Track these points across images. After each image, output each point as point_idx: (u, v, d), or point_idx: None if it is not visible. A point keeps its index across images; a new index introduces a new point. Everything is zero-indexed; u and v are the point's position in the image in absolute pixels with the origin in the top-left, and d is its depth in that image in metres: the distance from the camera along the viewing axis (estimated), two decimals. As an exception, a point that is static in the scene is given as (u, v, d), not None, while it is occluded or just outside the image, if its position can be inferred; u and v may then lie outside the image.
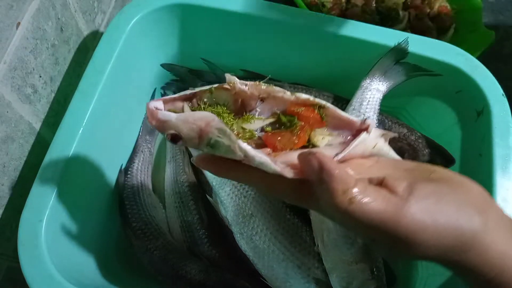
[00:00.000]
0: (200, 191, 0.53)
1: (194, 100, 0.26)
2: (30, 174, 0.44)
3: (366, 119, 0.28)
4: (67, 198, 0.41)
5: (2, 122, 0.40)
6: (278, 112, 0.27)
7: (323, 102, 0.27)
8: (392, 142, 0.53)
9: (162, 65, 0.60)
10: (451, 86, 0.48)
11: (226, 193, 0.49)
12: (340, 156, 0.25)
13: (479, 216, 0.23)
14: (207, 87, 0.26)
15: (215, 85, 0.26)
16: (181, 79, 0.63)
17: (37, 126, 0.46)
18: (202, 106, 0.25)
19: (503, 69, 0.69)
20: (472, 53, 0.59)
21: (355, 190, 0.22)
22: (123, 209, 0.51)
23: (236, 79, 0.25)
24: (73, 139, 0.41)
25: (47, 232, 0.38)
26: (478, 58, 0.47)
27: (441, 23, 0.66)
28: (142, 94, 0.59)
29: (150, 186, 0.55)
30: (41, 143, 0.46)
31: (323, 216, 0.26)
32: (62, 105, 0.49)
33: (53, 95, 0.48)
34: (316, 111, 0.27)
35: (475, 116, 0.45)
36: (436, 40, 0.48)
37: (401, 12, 0.67)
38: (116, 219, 0.52)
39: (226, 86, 0.26)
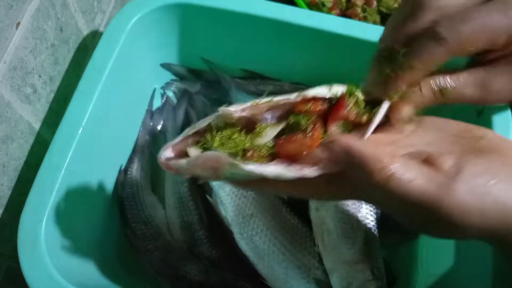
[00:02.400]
0: (200, 191, 0.53)
1: (201, 131, 0.26)
2: (30, 174, 0.44)
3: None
4: (67, 198, 0.41)
5: (1, 122, 0.39)
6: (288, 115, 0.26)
7: (329, 93, 0.26)
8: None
9: (162, 65, 0.60)
10: (451, 86, 0.47)
11: (226, 193, 0.49)
12: (366, 136, 0.24)
13: None
14: (207, 121, 0.25)
15: (212, 118, 0.25)
16: (181, 79, 0.63)
17: (37, 126, 0.46)
18: (210, 136, 0.25)
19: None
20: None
21: (394, 166, 0.20)
22: (122, 209, 0.51)
23: (230, 109, 0.25)
24: (73, 139, 0.41)
25: (47, 232, 0.38)
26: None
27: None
28: (142, 94, 0.59)
29: (150, 186, 0.55)
30: (41, 143, 0.46)
31: (366, 201, 0.25)
32: (62, 105, 0.49)
33: (52, 95, 0.48)
34: (323, 103, 0.26)
35: (475, 116, 0.45)
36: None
37: None
38: (116, 219, 0.52)
39: (224, 117, 0.25)
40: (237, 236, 0.47)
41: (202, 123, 0.25)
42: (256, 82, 0.58)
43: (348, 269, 0.41)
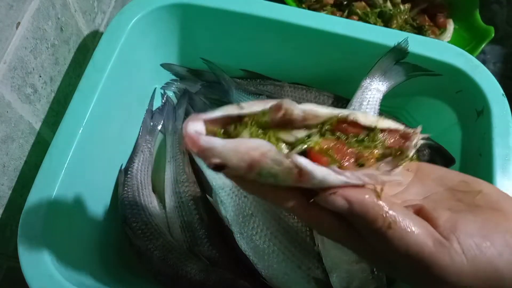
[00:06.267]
0: (200, 191, 0.53)
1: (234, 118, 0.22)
2: (30, 174, 0.44)
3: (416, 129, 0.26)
4: (67, 198, 0.41)
5: (2, 122, 0.39)
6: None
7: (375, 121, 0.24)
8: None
9: (162, 65, 0.60)
10: (451, 86, 0.48)
11: (226, 193, 0.49)
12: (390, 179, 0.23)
13: None
14: (259, 109, 0.21)
15: (268, 107, 0.21)
16: (181, 79, 0.63)
17: (37, 126, 0.46)
18: (248, 124, 0.21)
19: (503, 68, 0.70)
20: (472, 50, 0.59)
21: (393, 213, 0.21)
22: (123, 209, 0.51)
23: (296, 106, 0.21)
24: (73, 139, 0.41)
25: (47, 232, 0.38)
26: (478, 57, 0.47)
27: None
28: (142, 94, 0.59)
29: (150, 186, 0.55)
30: (41, 143, 0.46)
31: (370, 259, 0.24)
32: (62, 105, 0.49)
33: (53, 95, 0.48)
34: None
35: (475, 116, 0.45)
36: (436, 40, 0.48)
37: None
38: (116, 219, 0.52)
39: (280, 111, 0.21)
40: (237, 236, 0.47)
41: (253, 107, 0.21)
42: (256, 82, 0.58)
43: (348, 268, 0.41)
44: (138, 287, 0.50)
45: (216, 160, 0.20)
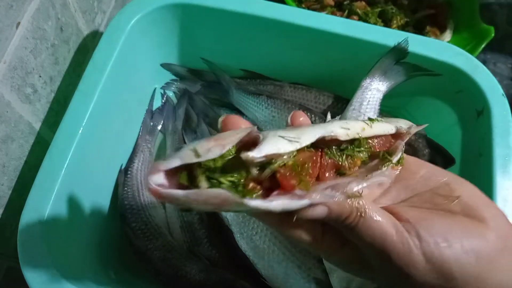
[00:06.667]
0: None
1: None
2: (30, 174, 0.44)
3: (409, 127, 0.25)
4: (67, 198, 0.41)
5: (1, 122, 0.39)
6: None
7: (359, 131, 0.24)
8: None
9: (162, 65, 0.60)
10: (451, 86, 0.48)
11: (226, 193, 0.48)
12: (359, 187, 0.23)
13: (480, 271, 0.21)
14: (216, 154, 0.21)
15: (226, 152, 0.21)
16: (181, 79, 0.63)
17: (37, 126, 0.46)
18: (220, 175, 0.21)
19: (503, 68, 0.70)
20: (472, 50, 0.59)
21: (363, 203, 0.22)
22: (122, 209, 0.51)
23: (257, 153, 0.20)
24: (73, 139, 0.41)
25: (47, 232, 0.38)
26: (478, 57, 0.47)
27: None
28: (142, 94, 0.59)
29: (150, 186, 0.55)
30: (41, 143, 0.46)
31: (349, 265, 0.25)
32: (62, 105, 0.49)
33: (53, 95, 0.48)
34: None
35: (475, 116, 0.45)
36: (436, 40, 0.48)
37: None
38: (116, 219, 0.52)
39: (242, 158, 0.21)
40: (237, 236, 0.47)
41: (209, 154, 0.20)
42: (256, 82, 0.58)
43: (348, 268, 0.41)
44: (138, 287, 0.50)
45: (182, 207, 0.21)
